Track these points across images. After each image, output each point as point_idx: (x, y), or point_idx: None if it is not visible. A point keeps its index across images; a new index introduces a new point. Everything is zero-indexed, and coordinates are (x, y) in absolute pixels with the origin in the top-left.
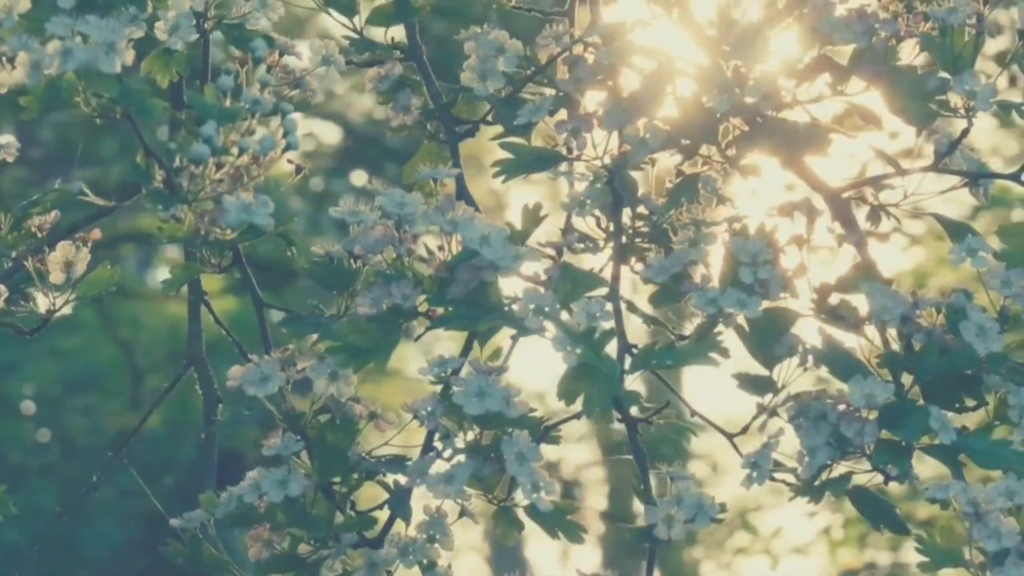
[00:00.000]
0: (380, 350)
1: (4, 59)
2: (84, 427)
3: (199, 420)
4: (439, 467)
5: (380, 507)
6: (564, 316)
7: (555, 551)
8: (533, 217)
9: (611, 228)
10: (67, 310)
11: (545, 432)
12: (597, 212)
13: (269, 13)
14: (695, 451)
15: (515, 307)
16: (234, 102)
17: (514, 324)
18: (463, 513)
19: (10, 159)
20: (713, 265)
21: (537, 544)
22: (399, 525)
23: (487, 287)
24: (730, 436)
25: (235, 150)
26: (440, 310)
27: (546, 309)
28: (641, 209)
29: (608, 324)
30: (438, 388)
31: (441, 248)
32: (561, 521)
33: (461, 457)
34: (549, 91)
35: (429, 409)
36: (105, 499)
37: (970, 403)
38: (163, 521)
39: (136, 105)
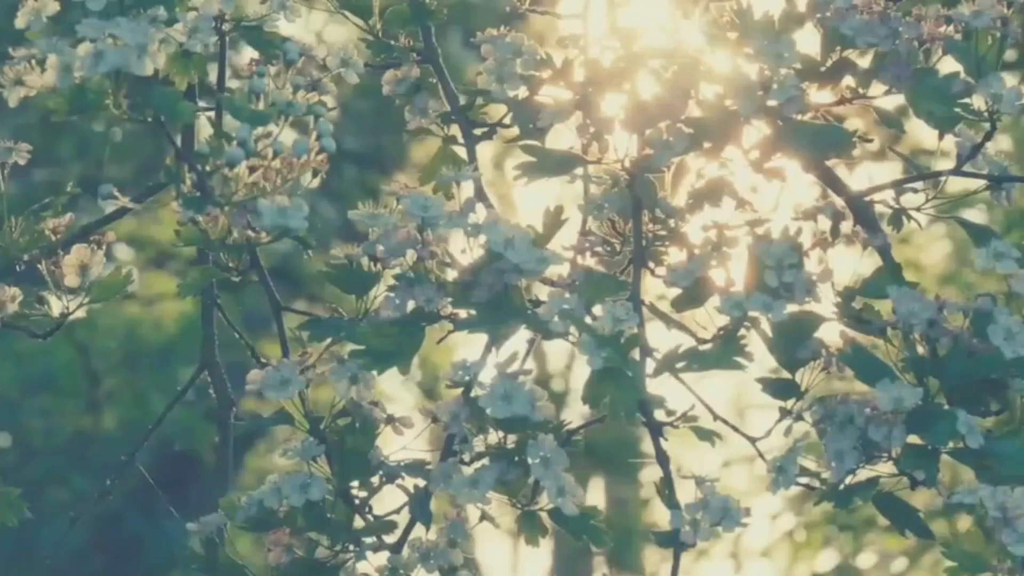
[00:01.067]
0: (403, 354)
1: (33, 61)
2: (40, 429)
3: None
4: (463, 471)
5: (398, 511)
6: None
7: (506, 552)
8: (555, 220)
9: (628, 232)
10: (81, 313)
11: (568, 437)
12: (614, 216)
13: (288, 15)
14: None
15: (540, 311)
16: (266, 104)
17: (538, 327)
18: (483, 517)
19: (22, 161)
20: (731, 269)
21: (488, 545)
22: (419, 529)
23: (510, 290)
24: (753, 440)
25: (268, 153)
26: (463, 313)
27: (572, 313)
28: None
29: (633, 328)
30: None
31: (463, 251)
32: (586, 525)
33: (485, 461)
34: (566, 94)
35: (453, 412)
36: (59, 500)
37: (994, 407)
38: (118, 523)
39: (167, 108)
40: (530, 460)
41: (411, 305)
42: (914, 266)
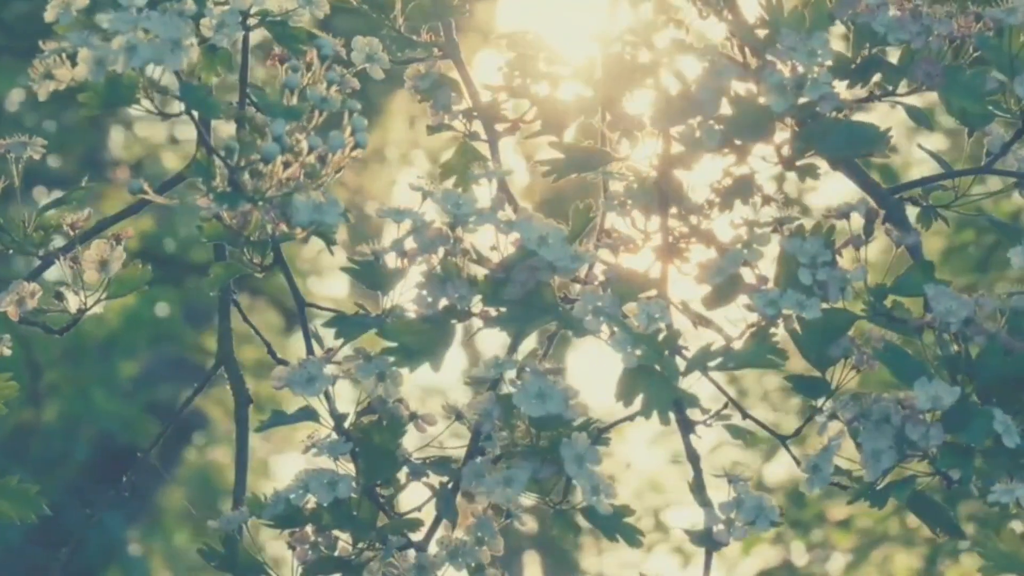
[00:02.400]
0: (434, 351)
1: (64, 55)
2: None
3: (96, 415)
4: (496, 470)
5: (419, 508)
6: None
7: None
8: (584, 217)
9: (647, 229)
10: (98, 309)
11: (598, 435)
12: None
13: (314, 10)
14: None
15: (574, 308)
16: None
17: (571, 325)
18: (509, 515)
19: (36, 156)
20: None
21: None
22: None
23: (542, 287)
24: (783, 439)
25: (303, 148)
26: (493, 311)
27: (606, 310)
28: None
29: (666, 325)
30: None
31: (493, 248)
32: (619, 524)
33: (515, 459)
34: (587, 90)
35: (485, 410)
36: None
37: None
38: (56, 519)
39: (199, 103)
40: (564, 459)
41: (443, 302)
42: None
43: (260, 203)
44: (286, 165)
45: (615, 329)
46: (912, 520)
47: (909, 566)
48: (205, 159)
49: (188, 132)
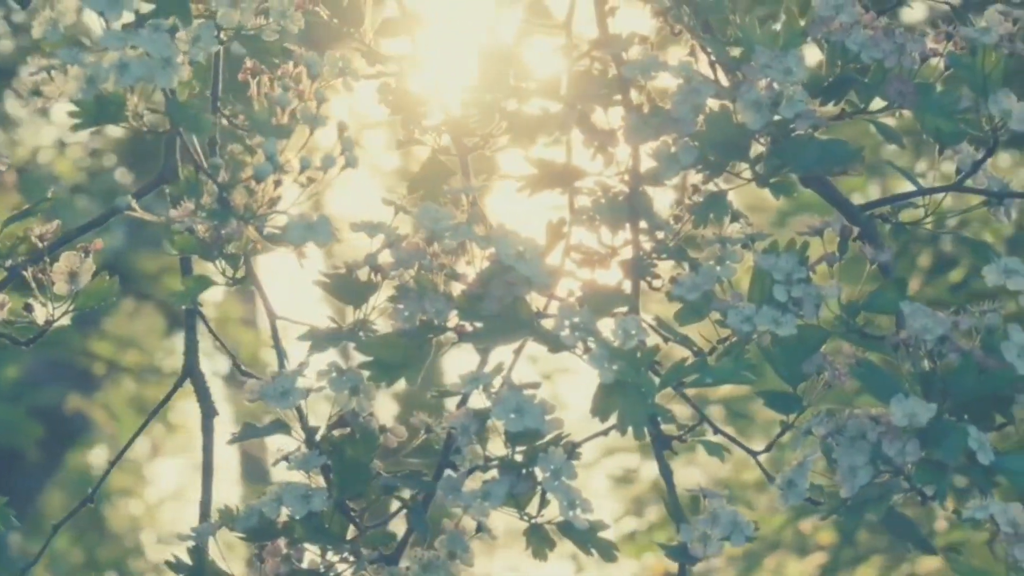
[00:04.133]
0: (411, 366)
1: (51, 71)
2: None
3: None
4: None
5: (386, 521)
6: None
7: None
8: (557, 233)
9: (614, 244)
10: (65, 320)
11: (572, 449)
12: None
13: (289, 25)
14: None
15: (550, 324)
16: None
17: (546, 340)
18: (480, 529)
19: (3, 168)
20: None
21: None
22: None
23: (517, 302)
24: (754, 454)
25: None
26: (468, 325)
27: (583, 326)
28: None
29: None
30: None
31: (469, 263)
32: (594, 538)
33: (492, 473)
34: (555, 105)
35: (463, 425)
36: None
37: (998, 422)
38: None
39: (188, 121)
40: (541, 473)
41: (420, 317)
42: None
43: (251, 220)
44: (276, 183)
45: (592, 345)
46: (807, 527)
47: (803, 573)
48: (193, 176)
49: (76, 136)
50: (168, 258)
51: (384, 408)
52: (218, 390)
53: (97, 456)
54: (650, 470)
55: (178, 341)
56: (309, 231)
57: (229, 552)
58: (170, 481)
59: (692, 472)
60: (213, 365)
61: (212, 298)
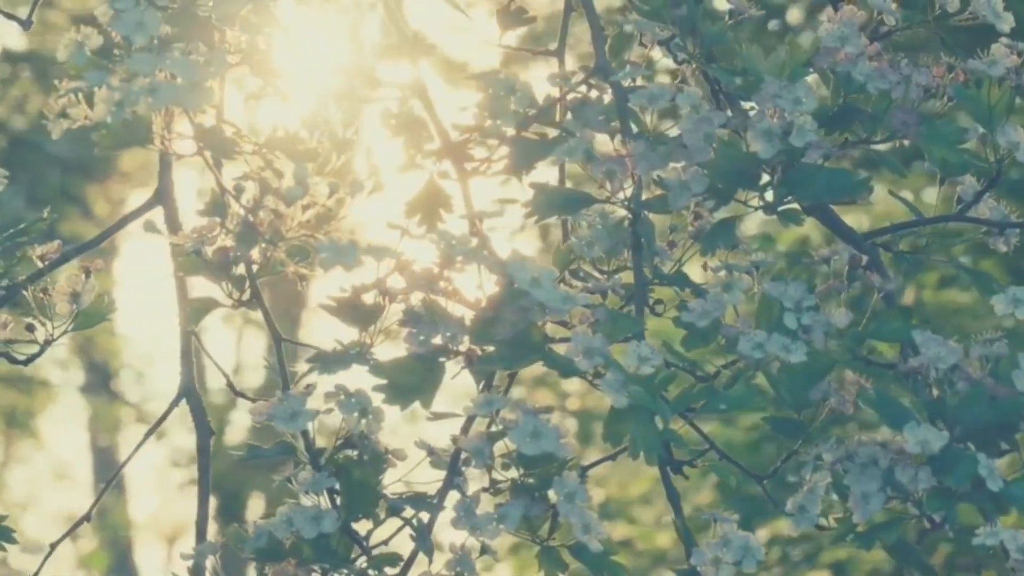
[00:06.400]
0: (425, 389)
1: (78, 94)
2: None
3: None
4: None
5: (387, 541)
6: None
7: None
8: (565, 258)
9: (611, 270)
10: (64, 340)
11: (583, 472)
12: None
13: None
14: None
15: (565, 349)
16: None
17: (557, 365)
18: (484, 551)
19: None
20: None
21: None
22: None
23: (530, 327)
24: (760, 479)
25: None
26: (479, 350)
27: (598, 351)
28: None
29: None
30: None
31: (478, 287)
32: (606, 562)
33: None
34: (551, 131)
35: (477, 447)
36: None
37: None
38: None
39: (215, 144)
40: (556, 496)
41: (436, 340)
42: None
43: (278, 243)
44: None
45: (606, 370)
46: None
47: None
48: (219, 198)
49: None
50: None
51: None
52: (75, 399)
53: None
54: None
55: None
56: (339, 255)
57: None
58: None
59: None
60: (67, 376)
61: None
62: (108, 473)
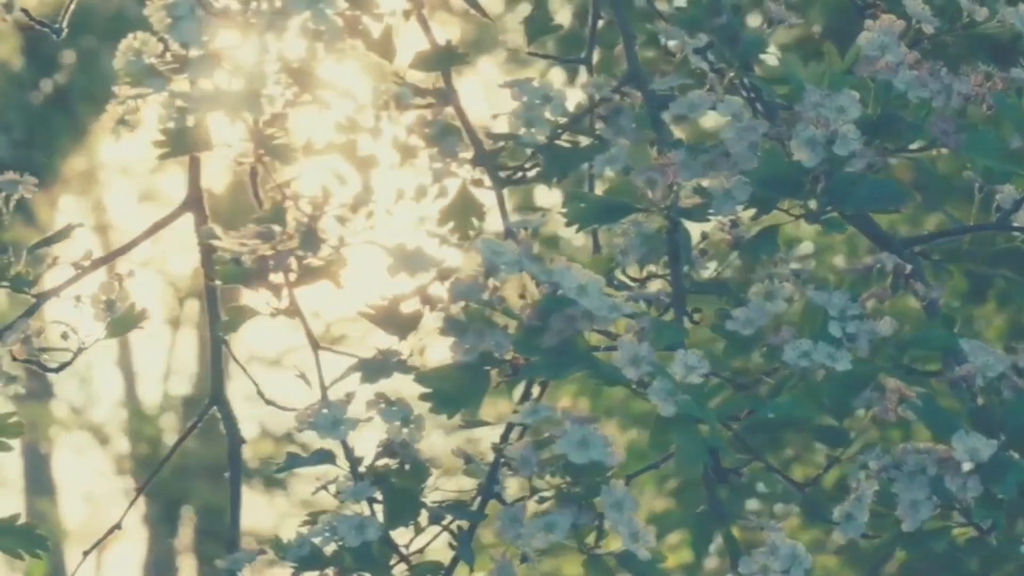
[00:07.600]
0: (471, 398)
1: (139, 99)
2: None
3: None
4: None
5: (422, 549)
6: None
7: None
8: (605, 265)
9: (645, 277)
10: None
11: (627, 481)
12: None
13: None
14: None
15: (614, 357)
16: None
17: (603, 374)
18: (524, 559)
19: (28, 195)
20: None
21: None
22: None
23: (575, 336)
24: (801, 487)
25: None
26: (524, 359)
27: (646, 360)
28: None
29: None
30: None
31: (522, 296)
32: (654, 570)
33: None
34: (584, 139)
35: (524, 456)
36: None
37: None
38: None
39: (273, 150)
40: (604, 505)
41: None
42: None
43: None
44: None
45: (651, 379)
46: None
47: None
48: (280, 206)
49: None
50: None
51: None
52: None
53: None
54: None
55: None
56: (405, 262)
57: None
58: None
59: None
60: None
61: None
62: (39, 476)
